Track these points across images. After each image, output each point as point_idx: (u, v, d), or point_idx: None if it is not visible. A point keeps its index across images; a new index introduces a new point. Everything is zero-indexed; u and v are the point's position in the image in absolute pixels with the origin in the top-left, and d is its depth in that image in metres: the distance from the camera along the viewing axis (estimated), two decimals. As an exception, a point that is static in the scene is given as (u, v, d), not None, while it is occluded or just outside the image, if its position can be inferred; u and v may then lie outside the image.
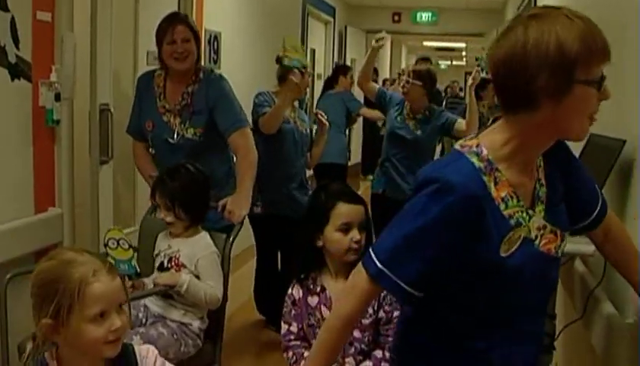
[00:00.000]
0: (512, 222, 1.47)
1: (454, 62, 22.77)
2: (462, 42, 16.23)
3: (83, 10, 3.49)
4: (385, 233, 1.53)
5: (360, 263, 1.56)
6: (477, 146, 1.48)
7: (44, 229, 3.12)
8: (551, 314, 2.25)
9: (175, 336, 2.65)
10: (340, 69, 6.55)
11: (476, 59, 6.29)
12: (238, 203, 3.02)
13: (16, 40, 2.87)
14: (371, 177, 10.96)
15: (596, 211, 1.67)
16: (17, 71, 2.89)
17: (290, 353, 2.27)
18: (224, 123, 3.18)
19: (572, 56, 1.33)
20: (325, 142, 4.30)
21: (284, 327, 2.31)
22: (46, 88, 3.05)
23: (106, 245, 2.72)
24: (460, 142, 1.54)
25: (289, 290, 2.32)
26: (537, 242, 1.50)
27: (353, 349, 2.20)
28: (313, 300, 2.28)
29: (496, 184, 1.45)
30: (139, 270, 2.76)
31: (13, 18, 2.83)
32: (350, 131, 10.16)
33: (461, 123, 4.37)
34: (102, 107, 3.62)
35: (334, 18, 9.64)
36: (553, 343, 2.26)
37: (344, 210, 2.23)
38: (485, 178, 1.44)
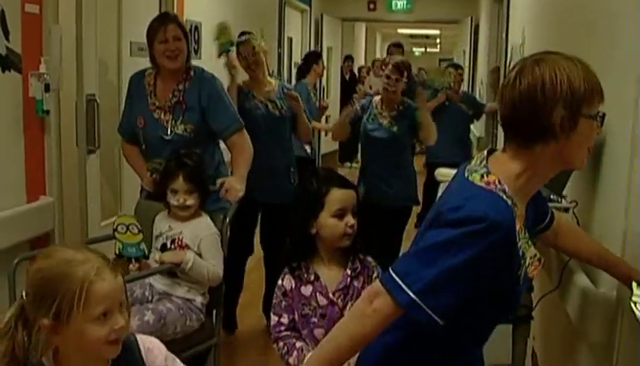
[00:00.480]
0: (521, 252, 1.58)
1: (428, 49, 22.89)
2: (437, 29, 16.37)
3: (68, 1, 3.55)
4: (414, 261, 1.54)
5: (380, 286, 1.54)
6: (499, 182, 1.55)
7: (37, 217, 3.19)
8: (528, 286, 2.37)
9: (181, 311, 2.80)
10: (313, 57, 6.25)
11: (445, 87, 6.37)
12: (235, 184, 3.15)
13: (6, 32, 2.93)
14: (348, 164, 11.11)
15: (548, 217, 1.86)
16: (8, 62, 2.96)
17: (281, 343, 2.25)
18: (221, 124, 3.30)
19: (580, 93, 1.48)
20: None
21: (274, 318, 2.28)
22: (36, 79, 3.12)
23: (115, 230, 2.82)
24: (477, 176, 1.57)
25: (279, 282, 2.30)
26: (528, 269, 1.62)
27: None
28: (307, 290, 2.25)
29: (516, 218, 1.54)
30: (147, 252, 2.87)
31: (2, 11, 2.89)
32: (326, 119, 10.25)
33: None
34: (89, 98, 3.68)
35: (310, 7, 9.70)
36: (531, 313, 2.38)
37: (338, 196, 2.22)
38: (514, 214, 1.53)
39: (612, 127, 2.05)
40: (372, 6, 10.98)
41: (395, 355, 1.73)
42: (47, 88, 3.16)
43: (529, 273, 1.62)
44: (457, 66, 6.62)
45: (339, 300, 2.21)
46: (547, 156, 1.53)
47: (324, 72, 6.22)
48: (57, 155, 3.37)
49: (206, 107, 3.25)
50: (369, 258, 2.28)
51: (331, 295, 2.22)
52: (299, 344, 2.21)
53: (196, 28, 5.06)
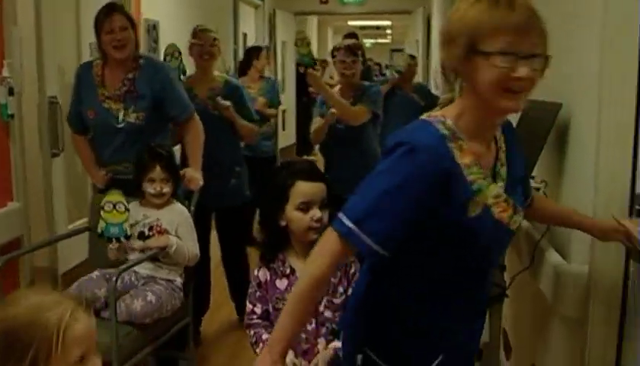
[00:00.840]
0: (474, 187, 1.59)
1: (379, 40, 23.03)
2: (388, 20, 16.48)
3: (26, 3, 3.52)
4: (354, 195, 1.60)
5: (330, 226, 1.61)
6: (442, 116, 1.62)
7: (5, 223, 3.18)
8: (502, 265, 2.44)
9: (168, 292, 3.04)
10: (253, 52, 5.89)
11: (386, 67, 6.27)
12: (194, 174, 3.36)
13: (-33, 37, 2.90)
14: (306, 157, 11.13)
15: (530, 199, 1.88)
16: (-30, 68, 2.93)
17: (252, 332, 2.27)
18: (177, 109, 3.41)
19: (468, 28, 1.50)
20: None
21: (249, 306, 2.30)
22: (-1, 83, 3.09)
23: (102, 208, 2.92)
24: (426, 114, 1.66)
25: (255, 272, 2.30)
26: (493, 209, 1.62)
27: (325, 329, 2.20)
28: (282, 283, 2.25)
29: (461, 151, 1.58)
30: (129, 232, 2.96)
31: (-37, 15, 2.87)
32: (283, 112, 10.28)
33: None
34: (51, 100, 3.66)
35: (263, 2, 9.70)
36: (505, 292, 2.45)
37: (302, 189, 2.21)
38: (450, 145, 1.57)
39: (577, 106, 2.14)
40: (323, -1, 11.01)
41: (375, 295, 1.78)
42: (11, 92, 3.13)
43: (494, 214, 1.62)
44: (412, 57, 6.69)
45: None
46: (466, 95, 1.59)
47: (270, 65, 6.00)
48: (22, 160, 3.34)
49: (161, 94, 3.32)
50: None
51: None
52: (265, 336, 2.22)
53: (154, 27, 5.04)
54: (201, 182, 3.36)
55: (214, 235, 4.17)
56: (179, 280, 3.12)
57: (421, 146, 1.54)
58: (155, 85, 3.30)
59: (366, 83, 4.20)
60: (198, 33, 4.02)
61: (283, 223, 2.24)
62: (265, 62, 5.96)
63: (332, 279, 2.18)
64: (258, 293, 2.28)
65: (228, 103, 3.91)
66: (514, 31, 1.47)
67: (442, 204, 1.56)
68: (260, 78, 5.76)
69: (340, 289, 2.19)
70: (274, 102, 5.85)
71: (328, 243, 1.61)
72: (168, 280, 3.07)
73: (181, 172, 3.30)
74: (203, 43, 3.98)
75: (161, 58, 3.88)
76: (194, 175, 3.34)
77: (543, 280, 2.21)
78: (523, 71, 1.47)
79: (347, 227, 1.56)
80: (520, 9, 1.47)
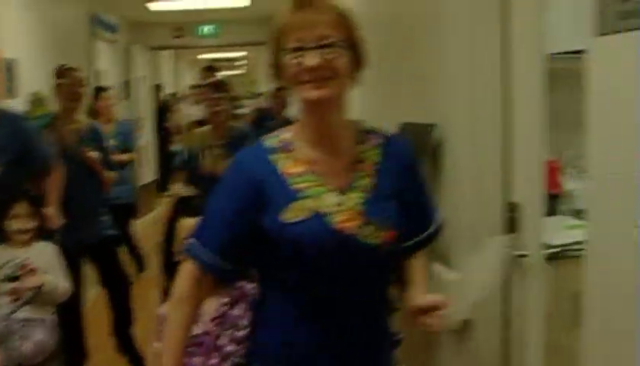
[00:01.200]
0: (300, 194, 1.60)
1: (233, 72, 23.11)
2: (243, 51, 16.60)
3: None
4: None
5: None
6: (284, 131, 1.71)
7: None
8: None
9: (48, 330, 3.02)
10: (95, 93, 5.58)
11: None
12: (52, 212, 3.34)
13: None
14: (167, 193, 10.91)
15: (421, 237, 1.78)
16: None
17: None
18: (38, 163, 3.33)
19: (277, 34, 1.59)
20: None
21: (157, 345, 2.17)
22: None
23: None
24: None
25: (158, 310, 2.29)
26: (330, 217, 1.60)
27: (229, 363, 2.15)
28: None
29: (295, 160, 1.65)
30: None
31: None
32: (140, 149, 10.08)
33: None
34: None
35: (119, 37, 9.54)
36: (396, 307, 2.53)
37: (186, 225, 2.24)
38: (273, 156, 1.65)
39: (451, 125, 2.29)
40: (178, 33, 10.96)
41: (258, 306, 1.83)
42: None
43: (331, 223, 1.60)
44: (279, 89, 6.70)
45: (215, 328, 2.18)
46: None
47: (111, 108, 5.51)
48: None
49: (23, 148, 3.17)
50: (249, 285, 2.19)
51: (206, 323, 2.17)
52: None
53: (12, 66, 4.84)
54: (60, 221, 3.34)
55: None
56: (51, 318, 3.08)
57: (240, 160, 1.71)
58: (16, 140, 3.14)
59: (238, 127, 4.09)
60: (65, 73, 3.87)
61: (177, 259, 2.20)
62: (107, 103, 5.55)
63: (236, 312, 2.18)
64: (162, 330, 2.19)
65: (96, 155, 3.87)
66: (300, 28, 1.54)
67: (258, 212, 1.64)
68: (109, 121, 5.41)
69: (244, 322, 2.12)
70: (128, 146, 5.49)
71: (185, 266, 1.74)
72: (42, 320, 3.02)
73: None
74: (71, 83, 3.84)
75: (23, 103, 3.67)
76: (52, 213, 3.32)
77: (430, 290, 2.33)
78: (310, 60, 1.53)
79: (190, 244, 1.71)
80: (308, 9, 1.55)
